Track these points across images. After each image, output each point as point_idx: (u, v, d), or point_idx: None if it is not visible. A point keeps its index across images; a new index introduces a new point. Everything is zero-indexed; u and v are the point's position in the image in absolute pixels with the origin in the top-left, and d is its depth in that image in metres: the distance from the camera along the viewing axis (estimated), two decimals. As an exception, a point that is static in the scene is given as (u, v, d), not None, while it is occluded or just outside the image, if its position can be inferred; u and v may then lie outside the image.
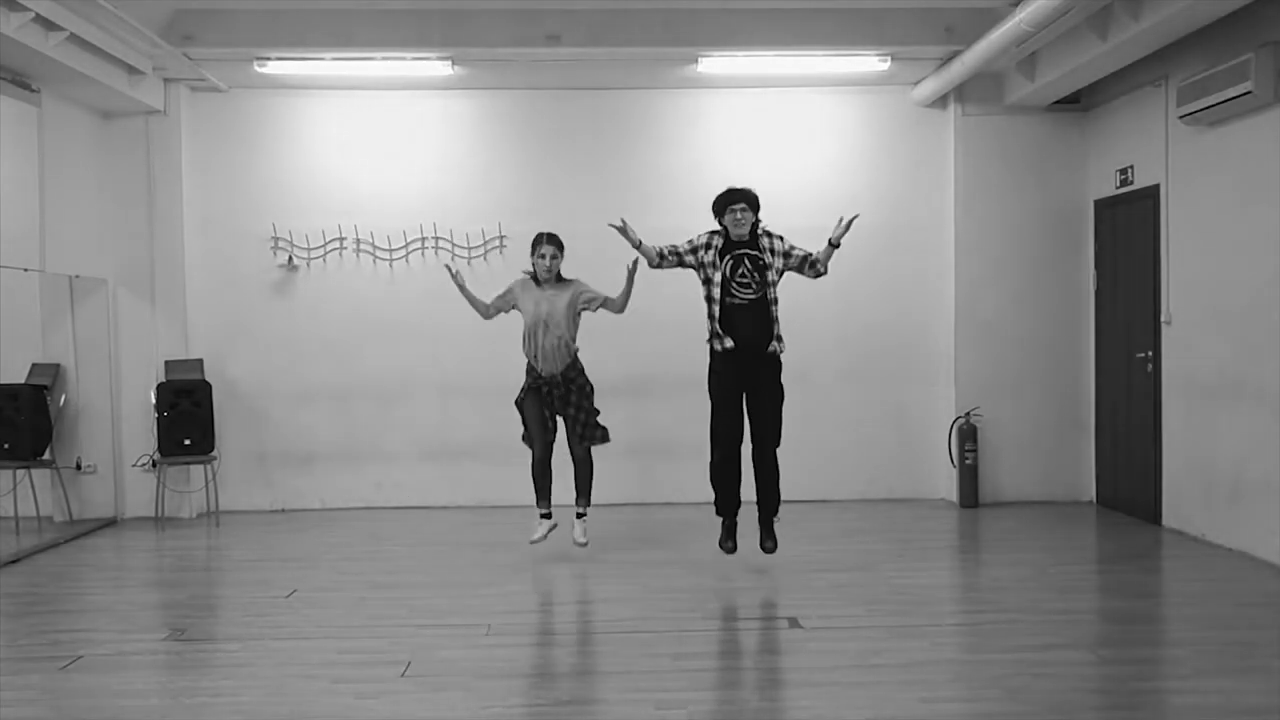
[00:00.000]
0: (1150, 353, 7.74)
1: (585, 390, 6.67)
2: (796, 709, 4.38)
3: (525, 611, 5.89)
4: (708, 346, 6.14)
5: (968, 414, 8.56)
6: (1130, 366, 8.03)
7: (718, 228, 6.22)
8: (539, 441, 6.70)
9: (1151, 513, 7.72)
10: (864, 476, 8.86)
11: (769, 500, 6.21)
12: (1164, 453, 7.58)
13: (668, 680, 4.66)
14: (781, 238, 6.25)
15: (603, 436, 6.73)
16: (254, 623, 5.55)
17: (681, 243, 6.26)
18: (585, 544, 6.71)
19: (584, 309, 6.68)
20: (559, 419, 6.73)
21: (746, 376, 6.03)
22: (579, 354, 6.70)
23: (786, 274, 6.21)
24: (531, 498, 6.81)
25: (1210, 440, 7.03)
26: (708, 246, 6.14)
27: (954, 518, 8.21)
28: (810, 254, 6.24)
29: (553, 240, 6.71)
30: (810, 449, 8.45)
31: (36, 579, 6.63)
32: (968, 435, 8.49)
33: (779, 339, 6.07)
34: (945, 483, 8.81)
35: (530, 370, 6.67)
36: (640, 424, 8.51)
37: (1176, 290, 7.43)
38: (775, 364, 6.09)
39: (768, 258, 6.10)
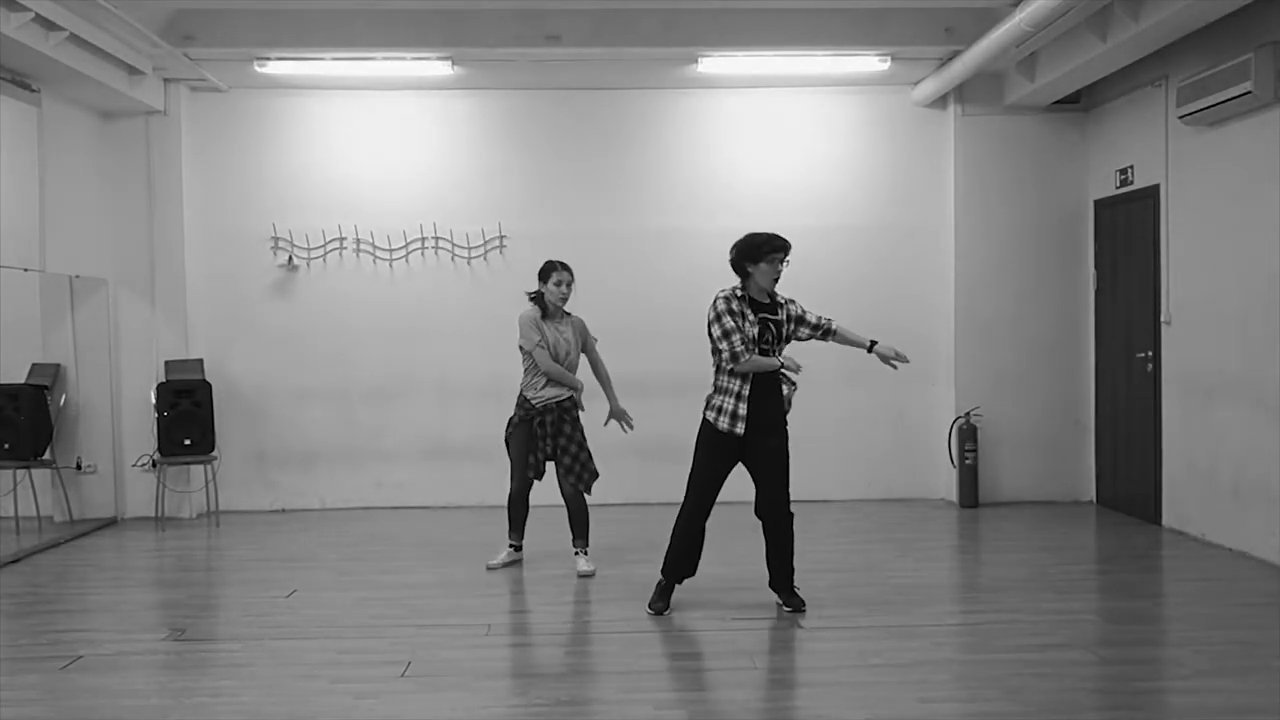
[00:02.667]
0: (1150, 353, 7.74)
1: (580, 425, 6.43)
2: (796, 709, 4.39)
3: (525, 611, 5.89)
4: (705, 415, 5.48)
5: (968, 414, 8.56)
6: (1130, 366, 8.03)
7: (729, 287, 5.42)
8: (519, 476, 6.43)
9: (1151, 513, 7.72)
10: (864, 476, 8.87)
11: (787, 568, 5.61)
12: (1164, 453, 7.58)
13: (668, 680, 4.67)
14: (794, 301, 5.62)
15: (590, 480, 6.45)
16: (254, 623, 5.55)
17: (730, 324, 5.30)
18: (591, 573, 6.42)
19: (584, 353, 6.57)
20: (549, 460, 6.43)
21: (748, 452, 5.46)
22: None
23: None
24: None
25: (1210, 440, 7.03)
26: (742, 315, 5.35)
27: (954, 518, 8.21)
28: (827, 324, 5.60)
29: (568, 268, 6.42)
30: (810, 449, 8.43)
31: (36, 579, 6.63)
32: (968, 435, 8.49)
33: (788, 402, 5.53)
34: (945, 483, 8.81)
35: (523, 403, 6.42)
36: (640, 424, 8.49)
37: (1176, 290, 7.43)
38: (783, 433, 5.52)
39: (788, 327, 5.52)
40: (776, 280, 5.45)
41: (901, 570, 6.54)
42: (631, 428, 6.63)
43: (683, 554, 5.62)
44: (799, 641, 5.15)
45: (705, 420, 5.51)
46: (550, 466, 6.50)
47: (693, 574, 5.70)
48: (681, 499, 5.66)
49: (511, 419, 6.48)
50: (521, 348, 6.43)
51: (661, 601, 5.60)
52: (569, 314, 6.55)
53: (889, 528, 7.85)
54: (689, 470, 5.61)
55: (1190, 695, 4.36)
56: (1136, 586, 6.27)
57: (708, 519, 5.62)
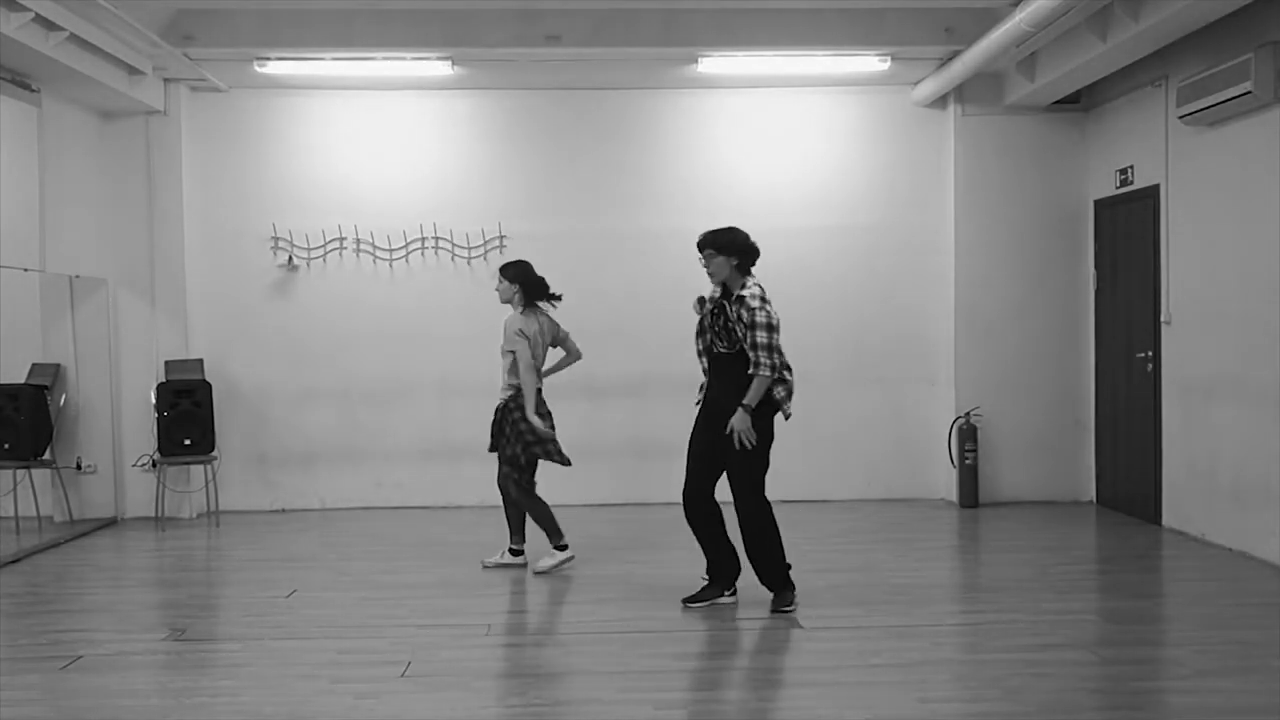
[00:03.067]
0: (1150, 353, 7.74)
1: (519, 429, 6.37)
2: (796, 709, 4.39)
3: (525, 611, 5.89)
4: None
5: (968, 414, 8.55)
6: (1130, 366, 8.03)
7: None
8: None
9: (1151, 513, 7.72)
10: (864, 476, 8.86)
11: (752, 563, 5.55)
12: (1164, 453, 7.58)
13: (668, 680, 4.66)
14: (755, 309, 5.31)
15: (514, 485, 6.43)
16: (254, 623, 5.55)
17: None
18: (542, 571, 6.38)
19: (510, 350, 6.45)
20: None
21: (717, 433, 5.51)
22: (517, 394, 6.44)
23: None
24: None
25: (1210, 440, 7.03)
26: (701, 308, 5.65)
27: (954, 518, 8.21)
28: (752, 350, 5.32)
29: (500, 270, 6.62)
30: (810, 449, 8.45)
31: (36, 579, 6.63)
32: (968, 435, 8.49)
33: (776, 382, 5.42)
34: (945, 483, 8.81)
35: None
36: (640, 424, 8.52)
37: (1176, 290, 7.42)
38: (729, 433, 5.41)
39: (723, 319, 5.45)
40: (712, 276, 5.53)
41: (901, 570, 6.54)
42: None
43: (690, 522, 5.70)
44: (799, 641, 5.15)
45: None
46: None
47: (718, 559, 5.64)
48: (680, 499, 5.70)
49: None
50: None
51: (697, 598, 5.64)
52: (511, 313, 6.53)
53: (889, 528, 7.85)
54: None
55: (1190, 695, 4.36)
56: (1136, 586, 6.27)
57: (702, 498, 5.65)
